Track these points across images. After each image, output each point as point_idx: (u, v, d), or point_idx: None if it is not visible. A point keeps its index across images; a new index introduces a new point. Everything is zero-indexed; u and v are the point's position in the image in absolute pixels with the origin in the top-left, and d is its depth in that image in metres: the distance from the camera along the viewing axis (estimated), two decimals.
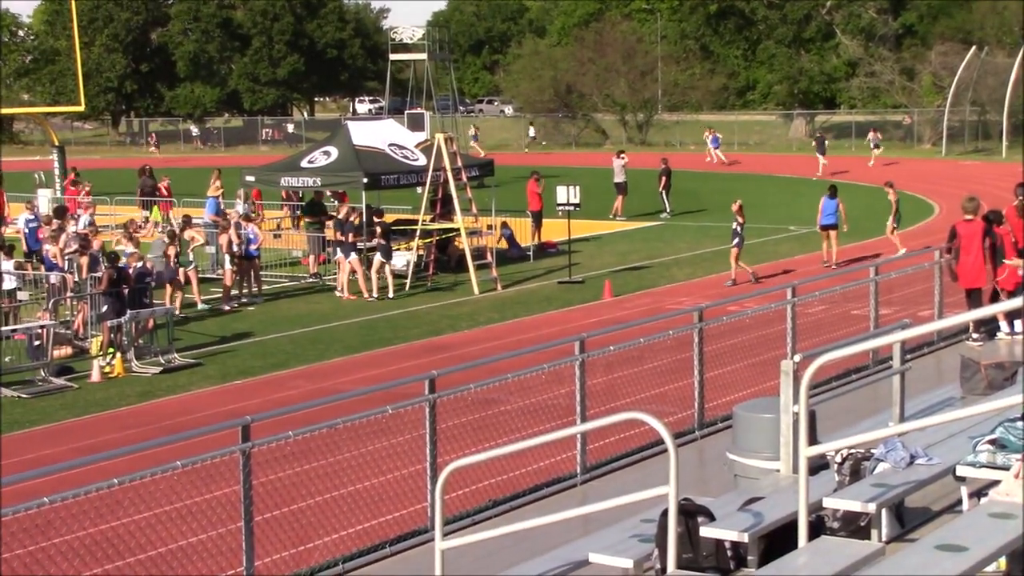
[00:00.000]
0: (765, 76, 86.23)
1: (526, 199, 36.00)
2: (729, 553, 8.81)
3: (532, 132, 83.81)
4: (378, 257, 27.82)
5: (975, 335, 18.30)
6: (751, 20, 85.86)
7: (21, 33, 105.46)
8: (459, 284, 28.76)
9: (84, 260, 24.92)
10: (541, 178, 36.06)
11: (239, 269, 27.21)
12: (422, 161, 30.66)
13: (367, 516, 12.24)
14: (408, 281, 29.01)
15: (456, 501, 11.98)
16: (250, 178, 32.41)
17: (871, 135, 64.65)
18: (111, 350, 21.32)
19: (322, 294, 28.29)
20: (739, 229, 27.62)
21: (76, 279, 24.71)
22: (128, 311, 21.57)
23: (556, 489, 12.82)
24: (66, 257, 25.50)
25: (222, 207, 32.99)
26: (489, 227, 31.42)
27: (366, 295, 27.35)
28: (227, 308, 26.47)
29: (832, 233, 30.24)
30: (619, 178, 42.42)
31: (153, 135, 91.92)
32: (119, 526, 11.93)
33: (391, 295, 27.34)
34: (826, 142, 60.64)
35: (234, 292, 27.08)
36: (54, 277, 24.39)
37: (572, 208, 29.53)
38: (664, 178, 42.56)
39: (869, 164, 60.23)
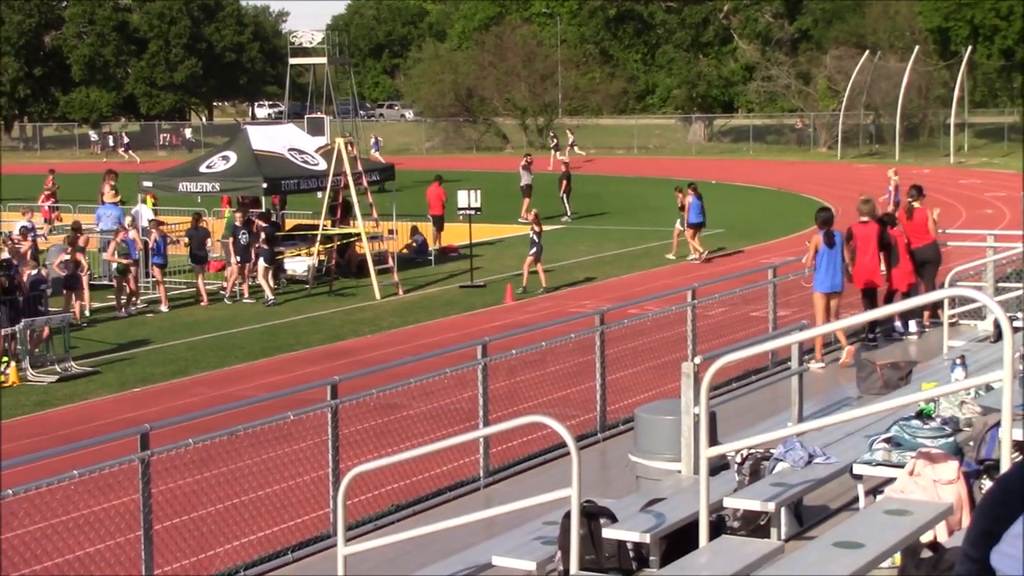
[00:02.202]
0: (664, 80, 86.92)
1: (427, 203, 36.00)
2: (631, 554, 8.87)
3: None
4: (261, 262, 27.70)
5: (870, 335, 18.62)
6: (650, 24, 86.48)
7: None
8: (360, 289, 28.64)
9: None
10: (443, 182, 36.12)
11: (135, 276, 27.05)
12: (322, 166, 30.50)
13: (269, 523, 12.15)
14: (309, 286, 28.87)
15: (359, 506, 11.93)
16: (148, 183, 32.04)
17: (570, 136, 73.87)
18: (5, 359, 20.93)
19: (220, 300, 27.99)
20: (536, 238, 27.79)
21: None
22: (23, 319, 21.19)
23: (459, 493, 12.82)
24: None
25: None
26: (390, 231, 31.33)
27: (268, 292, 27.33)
28: (125, 314, 26.14)
29: (693, 231, 32.22)
30: (525, 181, 42.54)
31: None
32: (13, 537, 11.71)
33: (271, 300, 27.24)
34: (558, 142, 69.17)
35: (122, 299, 26.75)
36: None
37: (473, 212, 29.57)
38: (565, 182, 42.75)
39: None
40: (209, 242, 28.71)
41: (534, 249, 27.71)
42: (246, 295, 27.83)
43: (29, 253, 25.50)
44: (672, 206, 34.09)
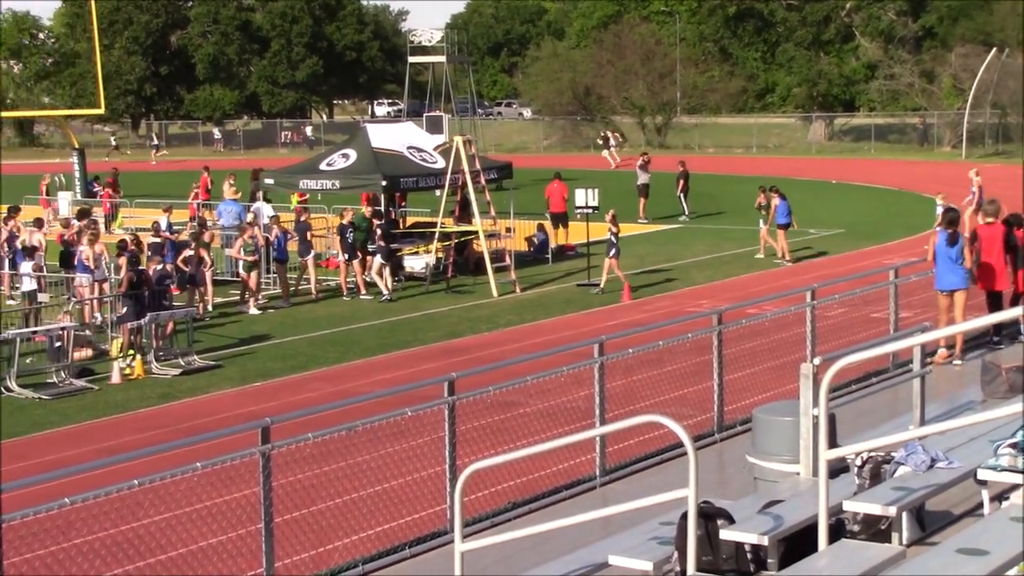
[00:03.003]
0: (784, 79, 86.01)
1: (545, 201, 36.05)
2: (749, 556, 8.80)
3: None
4: (377, 259, 27.96)
5: (994, 338, 18.28)
6: (770, 22, 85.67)
7: (42, 36, 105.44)
8: (478, 286, 28.78)
9: (122, 261, 24.94)
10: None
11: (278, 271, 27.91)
12: (440, 164, 30.68)
13: (386, 518, 12.26)
14: (427, 283, 29.06)
15: (475, 503, 11.99)
16: (269, 181, 32.58)
17: (616, 137, 76.01)
18: (131, 352, 21.42)
19: (337, 297, 28.28)
20: (614, 239, 27.48)
21: (111, 281, 24.84)
22: (148, 313, 21.64)
23: (575, 491, 12.82)
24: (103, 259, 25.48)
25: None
26: (508, 229, 31.42)
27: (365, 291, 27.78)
28: (254, 311, 26.51)
29: (783, 232, 32.00)
30: (642, 180, 42.38)
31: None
32: (139, 527, 11.97)
33: (386, 296, 27.56)
34: (609, 141, 72.19)
35: (246, 295, 27.16)
36: (83, 279, 24.52)
37: (591, 211, 29.55)
38: (682, 181, 42.57)
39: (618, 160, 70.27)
40: (309, 235, 28.93)
41: (613, 250, 27.48)
42: (363, 291, 28.09)
43: (166, 247, 25.99)
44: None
